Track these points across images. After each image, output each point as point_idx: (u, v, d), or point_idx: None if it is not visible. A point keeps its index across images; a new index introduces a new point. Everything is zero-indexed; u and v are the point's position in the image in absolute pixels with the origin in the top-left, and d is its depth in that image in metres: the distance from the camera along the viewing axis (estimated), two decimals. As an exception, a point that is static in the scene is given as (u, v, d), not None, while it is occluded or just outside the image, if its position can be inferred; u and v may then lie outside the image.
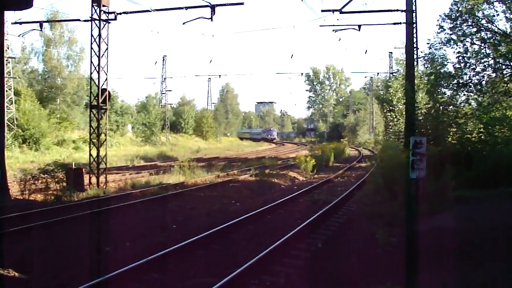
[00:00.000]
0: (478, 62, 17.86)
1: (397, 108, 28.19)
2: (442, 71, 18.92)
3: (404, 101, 21.66)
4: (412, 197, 7.77)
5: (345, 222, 14.25)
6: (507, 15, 17.83)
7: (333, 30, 22.80)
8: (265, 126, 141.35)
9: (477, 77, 17.99)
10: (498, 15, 17.76)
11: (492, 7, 17.83)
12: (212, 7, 20.91)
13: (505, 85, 18.01)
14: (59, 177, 20.46)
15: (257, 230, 13.01)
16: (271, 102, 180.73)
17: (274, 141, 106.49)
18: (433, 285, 7.49)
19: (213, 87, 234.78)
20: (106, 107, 22.65)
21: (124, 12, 22.39)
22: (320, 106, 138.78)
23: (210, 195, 20.10)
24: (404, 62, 20.96)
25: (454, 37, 18.10)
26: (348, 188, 21.50)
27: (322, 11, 19.91)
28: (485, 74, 18.09)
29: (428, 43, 19.53)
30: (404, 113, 21.77)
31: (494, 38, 17.80)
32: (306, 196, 19.86)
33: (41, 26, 25.06)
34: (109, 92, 22.88)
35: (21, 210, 15.10)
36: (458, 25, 18.00)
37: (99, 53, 22.05)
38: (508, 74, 18.00)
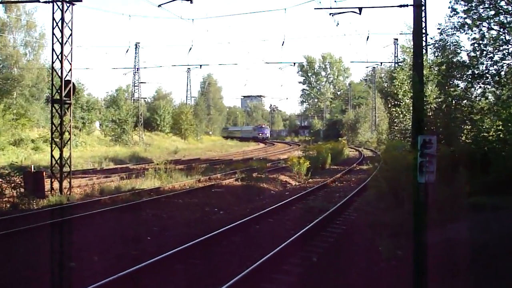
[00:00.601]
0: (496, 50, 17.84)
1: (403, 103, 28.26)
2: (454, 60, 18.92)
3: (411, 94, 21.70)
4: (421, 204, 7.77)
5: (344, 233, 14.26)
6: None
7: (330, 14, 22.83)
8: (253, 123, 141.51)
9: (495, 67, 17.95)
10: (520, -5, 17.72)
11: (512, -14, 17.80)
12: (192, -13, 20.84)
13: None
14: (16, 181, 20.25)
15: (244, 242, 12.97)
16: (259, 96, 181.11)
17: (266, 140, 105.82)
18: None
19: (193, 79, 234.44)
20: (70, 101, 22.49)
21: (91, -8, 22.22)
22: (315, 100, 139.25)
23: (189, 202, 20.06)
24: (411, 50, 20.98)
25: (468, 21, 18.07)
26: (348, 194, 21.54)
27: (318, -9, 19.84)
28: (505, 63, 18.05)
29: (439, 28, 19.47)
30: (411, 108, 21.78)
31: (514, 22, 17.78)
32: (299, 203, 19.86)
33: (-6, 7, 24.82)
34: (73, 84, 22.73)
35: (-29, 220, 14.95)
36: (473, 8, 17.96)
37: (62, 40, 21.88)
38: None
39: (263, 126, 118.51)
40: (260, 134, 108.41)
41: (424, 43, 21.84)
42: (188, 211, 17.95)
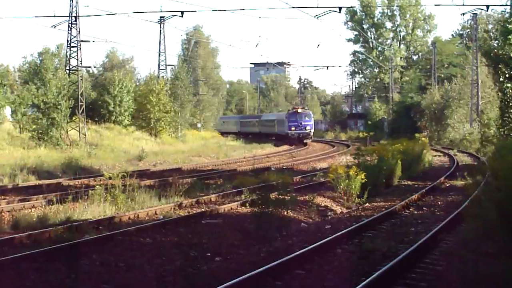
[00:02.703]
0: None
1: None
2: None
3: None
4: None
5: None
6: None
7: None
8: (269, 109, 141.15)
9: None
10: None
11: None
12: None
13: None
14: None
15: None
16: (281, 64, 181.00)
17: (307, 140, 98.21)
18: None
19: (170, 36, 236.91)
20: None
21: None
22: (375, 70, 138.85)
23: (164, 242, 20.12)
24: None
25: None
26: (430, 229, 21.43)
27: None
28: None
29: None
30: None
31: None
32: (348, 243, 19.81)
33: None
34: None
35: None
36: None
37: None
38: None
39: (299, 110, 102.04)
40: (295, 129, 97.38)
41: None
42: (161, 257, 17.96)
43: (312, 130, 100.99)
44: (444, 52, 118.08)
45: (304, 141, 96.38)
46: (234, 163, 57.33)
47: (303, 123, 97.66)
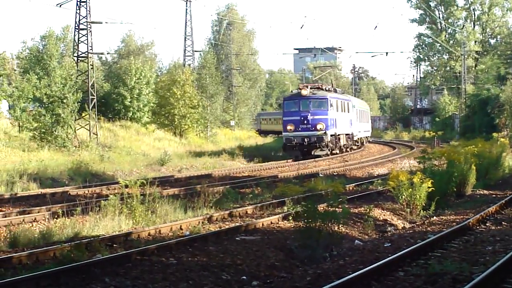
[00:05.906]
0: None
1: None
2: None
3: None
4: None
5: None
6: None
7: None
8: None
9: None
10: None
11: None
12: None
13: None
14: None
15: None
16: (331, 50, 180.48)
17: (319, 152, 67.88)
18: None
19: (198, 17, 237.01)
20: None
21: None
22: (445, 57, 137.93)
23: (191, 263, 20.05)
24: None
25: None
26: (511, 247, 21.24)
27: None
28: None
29: None
30: None
31: None
32: (412, 265, 19.67)
33: None
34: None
35: None
36: None
37: None
38: None
39: (304, 92, 67.80)
40: (295, 128, 66.48)
41: None
42: (187, 280, 17.99)
43: (332, 131, 68.49)
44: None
45: (314, 152, 67.22)
46: (274, 168, 57.37)
47: (310, 116, 66.22)
